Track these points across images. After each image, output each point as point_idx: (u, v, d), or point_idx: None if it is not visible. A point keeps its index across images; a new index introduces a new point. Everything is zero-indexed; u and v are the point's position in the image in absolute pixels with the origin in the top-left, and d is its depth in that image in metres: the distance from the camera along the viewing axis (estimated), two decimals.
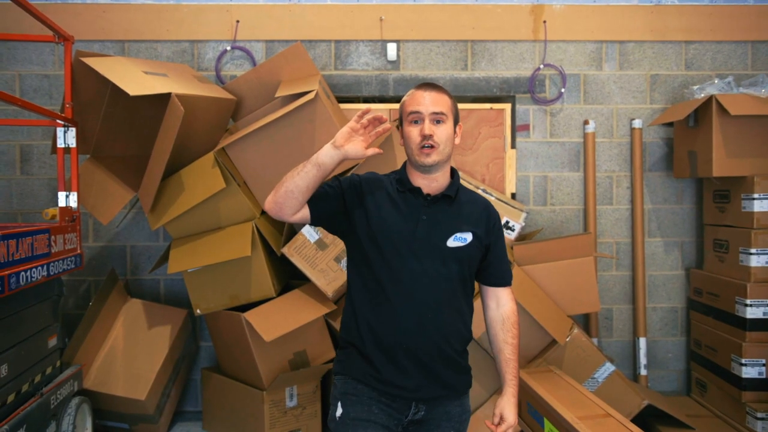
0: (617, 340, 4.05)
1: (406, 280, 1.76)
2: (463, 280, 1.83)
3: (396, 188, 1.84)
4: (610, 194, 4.03)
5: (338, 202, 1.83)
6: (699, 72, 4.01)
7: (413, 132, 1.77)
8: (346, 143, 1.70)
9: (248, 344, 3.20)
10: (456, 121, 1.83)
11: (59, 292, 3.02)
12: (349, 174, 1.95)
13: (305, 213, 1.79)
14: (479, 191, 3.65)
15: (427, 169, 1.78)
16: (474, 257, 1.84)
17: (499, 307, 1.93)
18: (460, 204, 1.85)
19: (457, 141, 1.84)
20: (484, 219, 1.86)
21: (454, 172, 1.89)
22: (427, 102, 1.76)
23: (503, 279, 1.94)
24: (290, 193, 1.72)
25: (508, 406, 1.85)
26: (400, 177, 1.85)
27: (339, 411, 1.82)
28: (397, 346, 1.77)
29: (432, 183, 1.83)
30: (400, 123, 1.85)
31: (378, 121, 1.72)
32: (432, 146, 1.74)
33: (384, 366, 1.78)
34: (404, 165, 1.90)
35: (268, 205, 1.77)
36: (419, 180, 1.83)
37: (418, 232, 1.77)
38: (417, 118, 1.76)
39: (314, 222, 1.84)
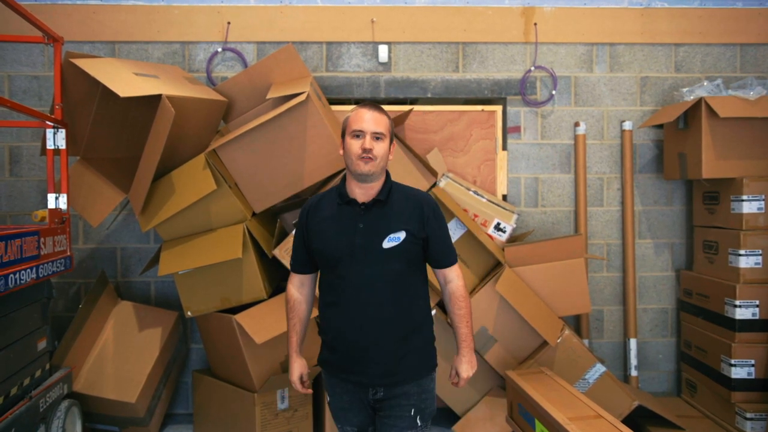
0: (608, 341, 4.07)
1: (352, 285, 2.03)
2: (408, 274, 2.07)
3: (336, 202, 2.09)
4: (601, 196, 4.05)
5: (309, 244, 2.14)
6: (688, 74, 4.04)
7: (354, 145, 2.00)
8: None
9: (239, 346, 3.19)
10: (391, 140, 2.08)
11: (49, 294, 3.00)
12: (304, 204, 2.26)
13: (315, 274, 2.26)
14: (470, 193, 3.66)
15: (364, 177, 2.01)
16: (412, 251, 2.05)
17: (447, 284, 2.18)
18: (394, 204, 2.07)
19: (391, 157, 2.08)
20: (417, 213, 2.07)
21: (387, 177, 2.11)
22: (370, 122, 1.99)
23: (446, 260, 2.16)
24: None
25: (460, 364, 2.18)
26: (340, 191, 2.09)
27: (328, 399, 2.23)
28: (350, 342, 2.06)
29: (368, 191, 2.06)
30: (342, 136, 2.07)
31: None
32: (371, 158, 1.98)
33: (342, 359, 2.10)
34: (344, 178, 2.11)
35: None
36: (357, 190, 2.06)
37: (356, 240, 2.01)
38: (359, 134, 2.00)
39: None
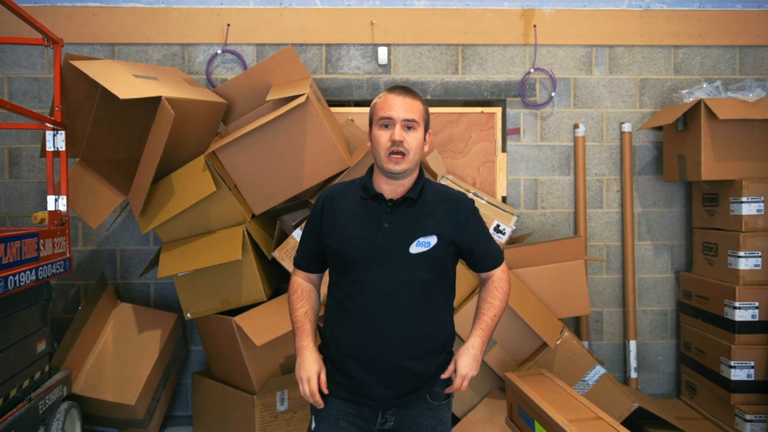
0: (607, 343, 4.07)
1: (368, 292, 1.75)
2: (434, 284, 1.80)
3: (360, 195, 1.82)
4: (600, 197, 4.05)
5: (320, 240, 1.87)
6: (688, 76, 4.04)
7: (383, 136, 1.74)
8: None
9: (239, 348, 3.19)
10: (426, 128, 1.81)
11: (48, 296, 3.00)
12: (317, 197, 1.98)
13: (321, 274, 1.98)
14: (470, 195, 3.66)
15: (394, 176, 1.76)
16: (444, 258, 1.80)
17: (491, 277, 1.93)
18: (426, 204, 1.81)
19: (426, 149, 1.82)
20: (452, 215, 1.82)
21: (420, 173, 1.85)
22: (400, 108, 1.73)
23: (493, 263, 1.93)
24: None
25: (463, 355, 1.84)
26: (365, 183, 1.83)
27: (313, 425, 1.87)
28: (361, 356, 1.77)
29: (397, 188, 1.80)
30: (369, 125, 1.83)
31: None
32: (402, 154, 1.72)
33: (350, 376, 1.79)
34: (370, 169, 1.86)
35: None
36: (384, 185, 1.80)
37: (378, 241, 1.75)
38: (388, 123, 1.74)
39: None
